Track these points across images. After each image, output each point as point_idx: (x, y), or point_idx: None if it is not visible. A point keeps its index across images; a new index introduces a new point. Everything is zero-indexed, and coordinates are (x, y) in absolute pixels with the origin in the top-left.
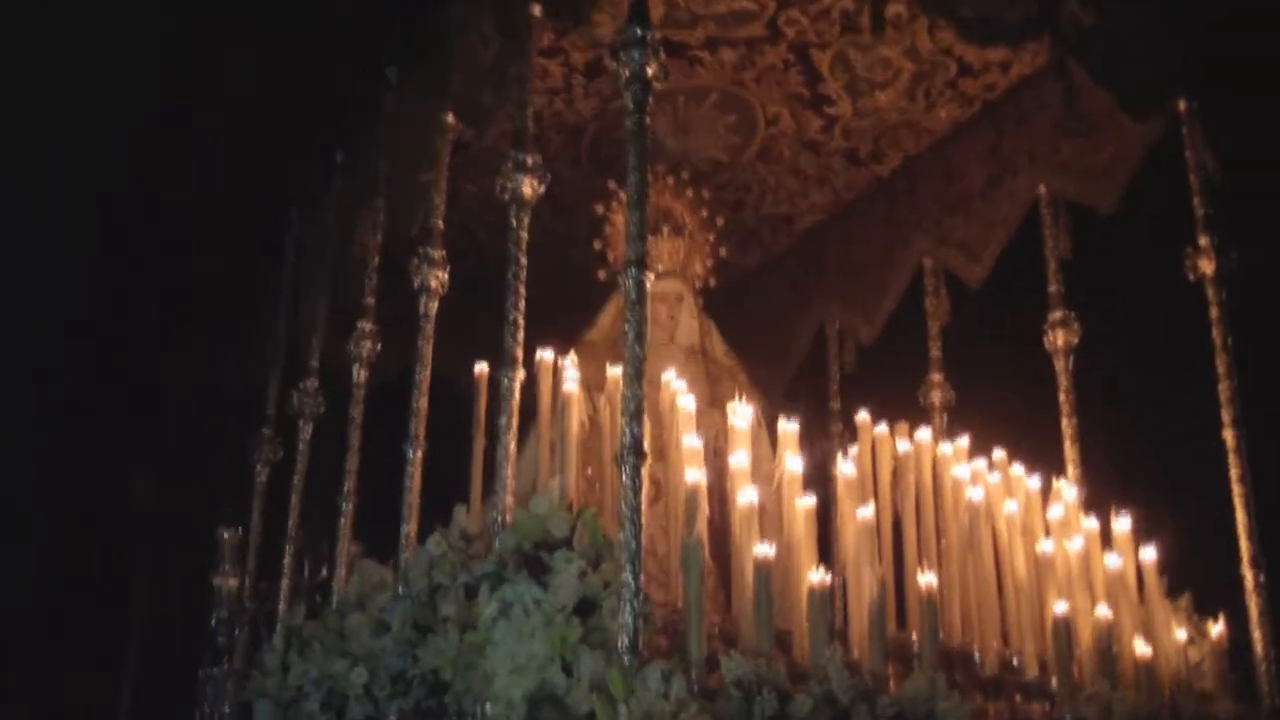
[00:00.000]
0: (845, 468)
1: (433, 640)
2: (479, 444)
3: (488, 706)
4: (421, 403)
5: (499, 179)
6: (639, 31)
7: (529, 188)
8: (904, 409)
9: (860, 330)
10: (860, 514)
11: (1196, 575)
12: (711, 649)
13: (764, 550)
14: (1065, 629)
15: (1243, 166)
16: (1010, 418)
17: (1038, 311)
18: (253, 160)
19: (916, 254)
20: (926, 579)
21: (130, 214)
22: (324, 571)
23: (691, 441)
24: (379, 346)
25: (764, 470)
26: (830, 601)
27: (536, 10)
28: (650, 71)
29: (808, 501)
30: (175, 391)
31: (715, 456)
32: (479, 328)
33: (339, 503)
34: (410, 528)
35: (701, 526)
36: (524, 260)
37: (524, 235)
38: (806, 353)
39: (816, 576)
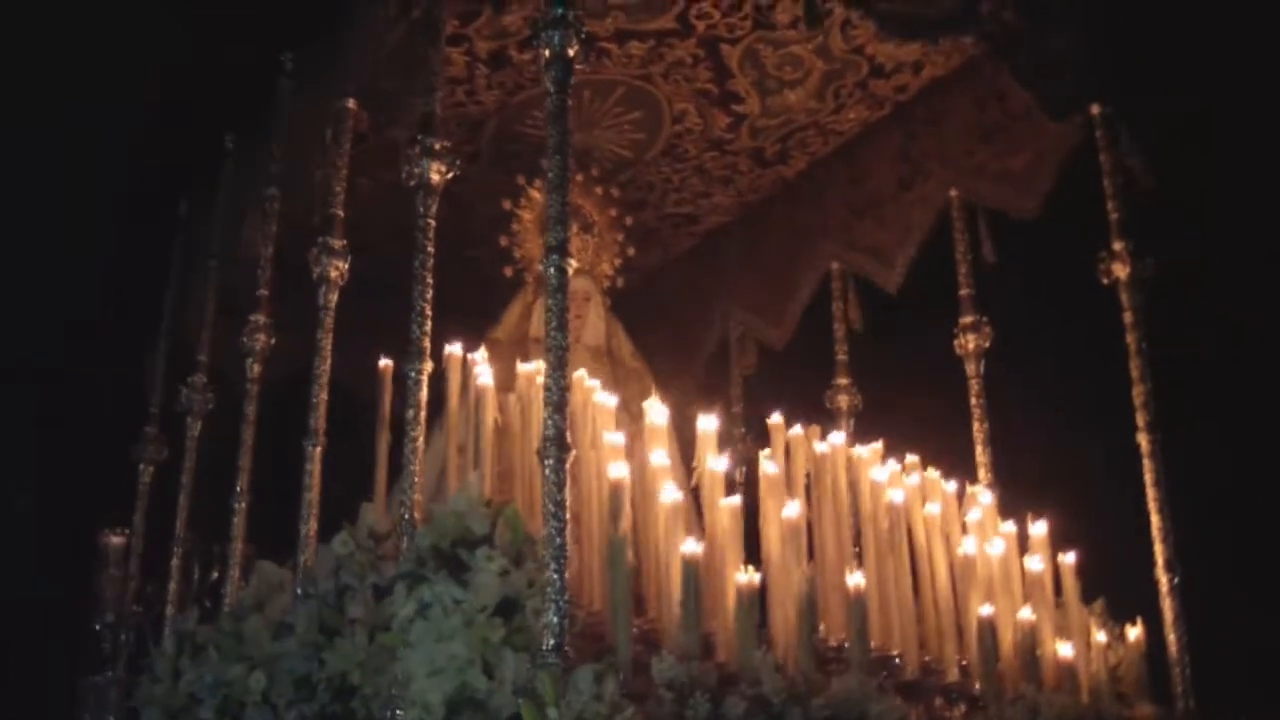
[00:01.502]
0: (768, 466)
1: (340, 643)
2: (383, 441)
3: (398, 712)
4: (321, 396)
5: (405, 165)
6: (560, 11)
7: (437, 174)
8: (808, 413)
9: (768, 334)
10: (786, 513)
11: (1110, 580)
12: (634, 652)
13: (692, 548)
14: (990, 631)
15: (1156, 172)
16: (919, 423)
17: (948, 316)
18: (137, 147)
19: (824, 258)
20: (855, 579)
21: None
22: (214, 575)
23: (613, 437)
24: (273, 341)
25: (675, 475)
26: (758, 602)
27: None
28: (571, 52)
29: (733, 501)
30: (54, 391)
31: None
32: (369, 325)
33: (231, 502)
34: (310, 527)
35: (627, 524)
36: (431, 249)
37: (431, 223)
38: (710, 356)
39: (744, 577)
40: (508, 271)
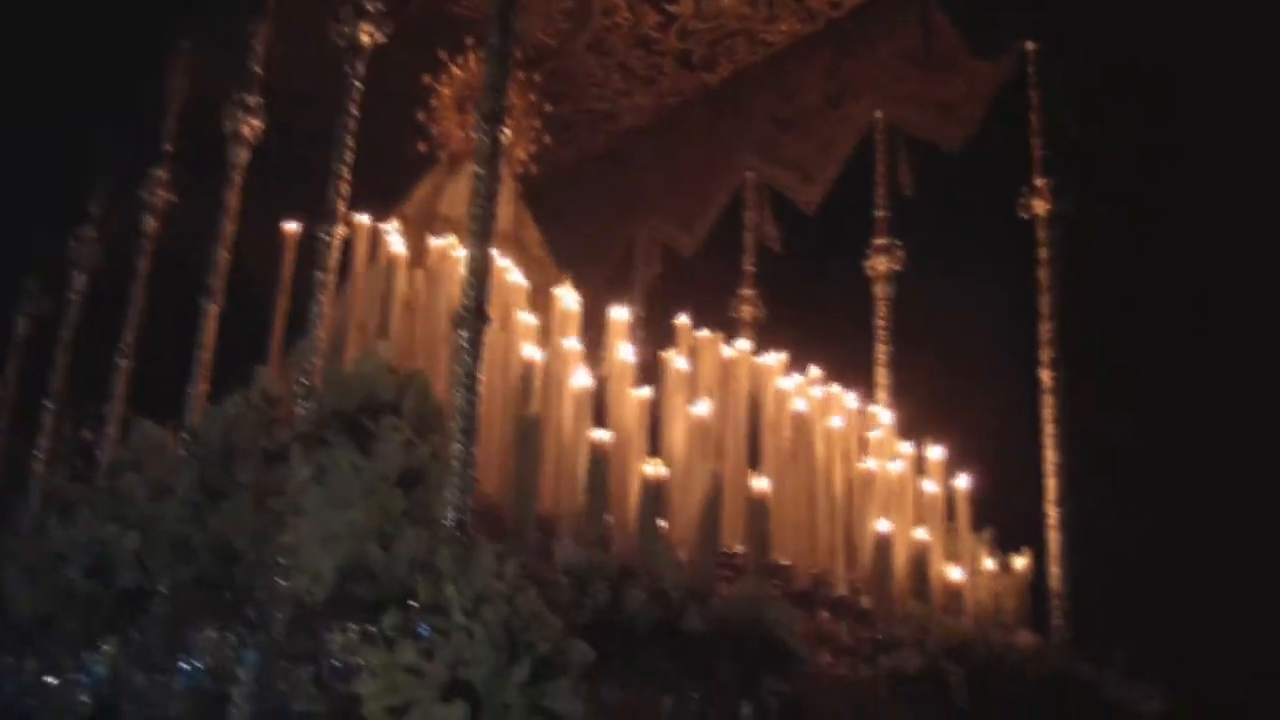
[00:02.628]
0: (678, 362)
1: (225, 506)
2: (281, 305)
3: (282, 580)
4: (223, 255)
5: (335, 25)
6: None
7: (367, 36)
8: (711, 323)
9: (680, 241)
10: (695, 411)
11: (1000, 509)
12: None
13: (602, 436)
14: (886, 548)
15: (1079, 115)
16: (822, 340)
17: (862, 236)
18: None
19: (742, 169)
20: (760, 483)
21: None
22: (87, 434)
23: (526, 317)
24: (174, 199)
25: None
26: (662, 497)
27: None
28: None
29: (642, 392)
30: None
31: None
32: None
33: (114, 359)
34: (200, 388)
35: (538, 405)
36: (355, 112)
37: (358, 85)
38: (619, 256)
39: (653, 470)
40: (422, 147)
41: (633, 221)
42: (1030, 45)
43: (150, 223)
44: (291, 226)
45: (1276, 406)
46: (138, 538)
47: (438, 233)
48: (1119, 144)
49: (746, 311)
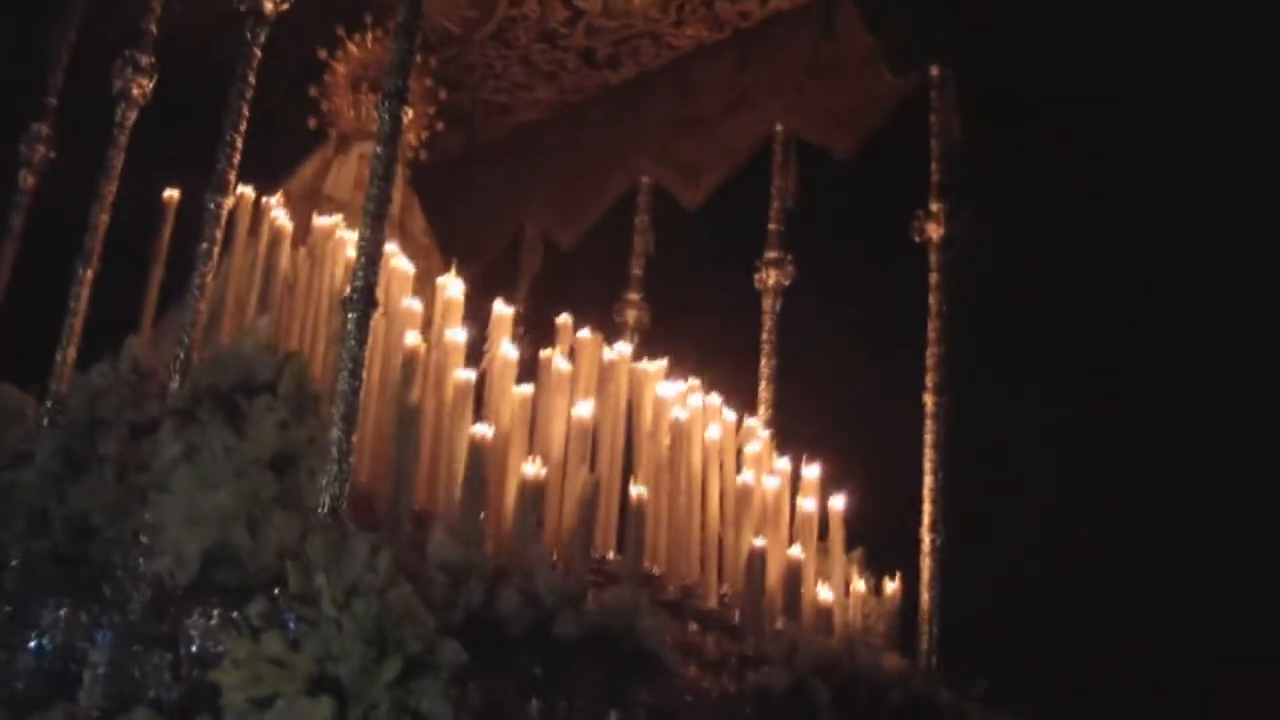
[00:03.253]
0: (559, 362)
1: (86, 479)
2: (156, 275)
3: (142, 560)
4: (102, 218)
5: None
6: None
7: (271, 3)
8: (594, 324)
9: (559, 236)
10: (577, 412)
11: (871, 531)
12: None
13: (482, 431)
14: (760, 563)
15: (984, 138)
16: (704, 350)
17: (752, 248)
18: None
19: (634, 170)
20: (638, 490)
21: None
22: None
23: (411, 303)
24: (53, 155)
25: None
26: (541, 498)
27: None
28: None
29: (524, 389)
30: None
31: None
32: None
33: None
34: (69, 354)
35: (419, 394)
36: (251, 80)
37: (257, 52)
38: (501, 248)
39: (533, 469)
40: (312, 123)
41: (520, 215)
42: (935, 69)
43: (28, 179)
44: (171, 192)
45: (1158, 436)
46: None
47: (322, 212)
48: (1013, 169)
49: (631, 316)
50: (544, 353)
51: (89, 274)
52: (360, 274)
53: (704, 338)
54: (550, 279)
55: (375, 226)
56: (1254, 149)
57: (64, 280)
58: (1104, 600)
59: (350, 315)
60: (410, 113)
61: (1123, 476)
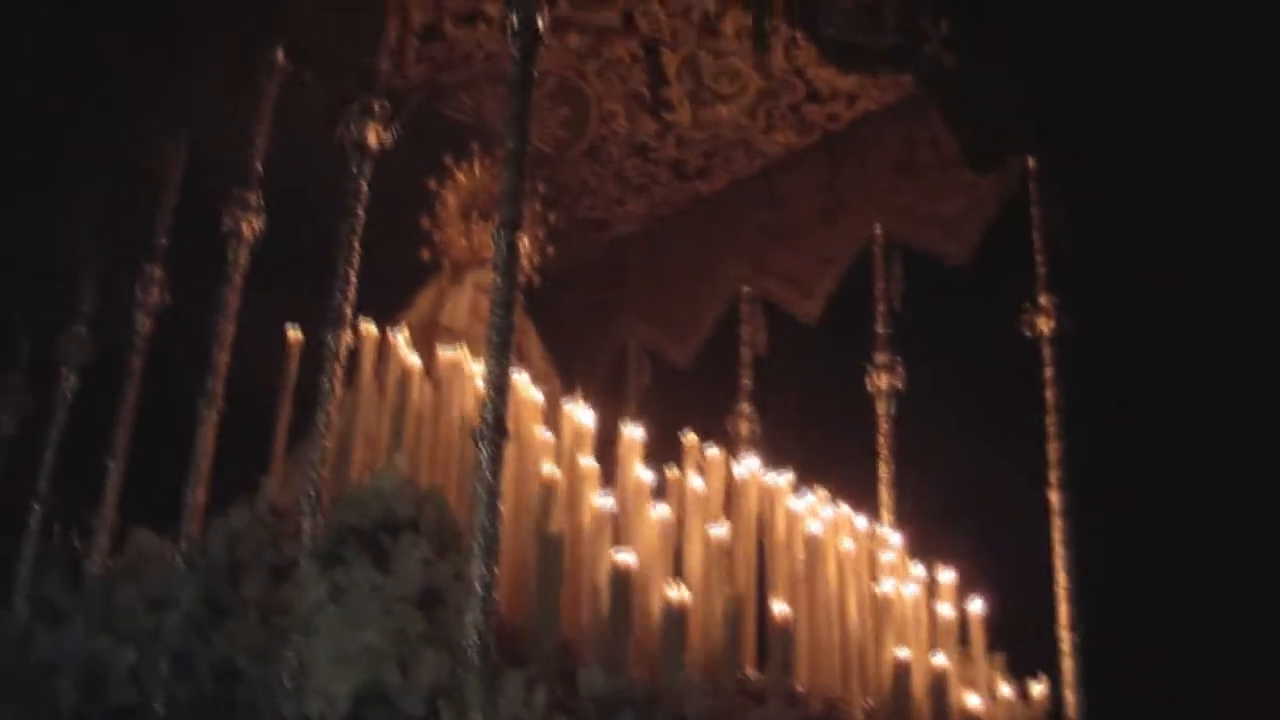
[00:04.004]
0: (694, 482)
1: (229, 623)
2: (284, 414)
3: (287, 703)
4: (222, 358)
5: (341, 124)
6: None
7: (374, 135)
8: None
9: (671, 352)
10: (714, 532)
11: (1005, 633)
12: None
13: (626, 558)
14: (905, 675)
15: (1082, 230)
16: (818, 457)
17: (858, 351)
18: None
19: (733, 280)
20: (781, 607)
21: None
22: (74, 541)
23: (543, 433)
24: (168, 296)
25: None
26: (685, 621)
27: None
28: (541, 22)
29: (662, 511)
30: None
31: None
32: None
33: (105, 461)
34: (198, 495)
35: (560, 524)
36: (361, 214)
37: (364, 186)
38: (607, 367)
39: (676, 593)
40: (425, 255)
41: (622, 331)
42: (1031, 161)
43: (144, 321)
44: (294, 331)
45: None
46: (133, 652)
47: (440, 343)
48: (1120, 260)
49: (744, 427)
50: (671, 473)
51: (213, 415)
52: (489, 406)
53: (815, 443)
54: (653, 394)
55: (501, 358)
56: None
57: (179, 421)
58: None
59: (482, 448)
60: (525, 240)
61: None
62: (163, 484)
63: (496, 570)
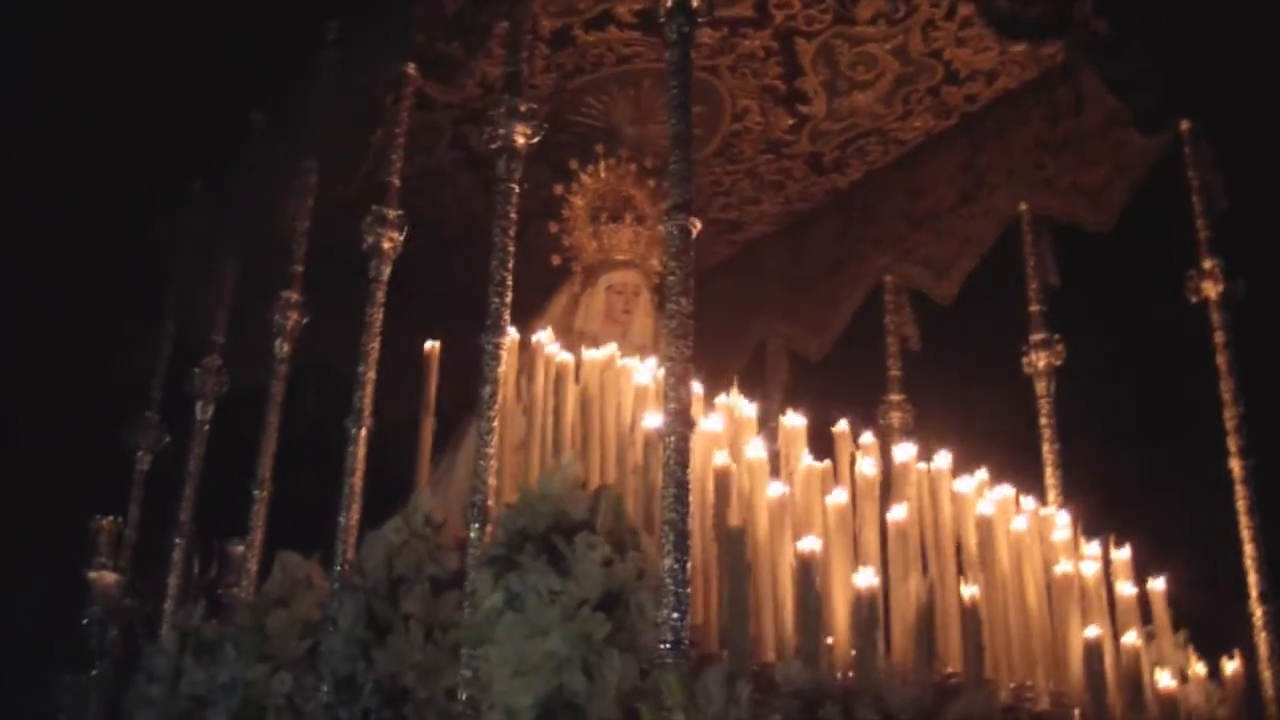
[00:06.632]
0: (866, 466)
1: (392, 640)
2: (427, 426)
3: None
4: (369, 375)
5: (489, 128)
6: None
7: (521, 136)
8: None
9: (808, 345)
10: (893, 516)
11: (1186, 610)
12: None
13: (810, 545)
14: (1097, 655)
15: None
16: (975, 441)
17: (1007, 331)
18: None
19: (875, 271)
20: (970, 590)
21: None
22: (213, 570)
23: (711, 424)
24: (305, 320)
25: None
26: (877, 609)
27: None
28: (695, 2)
29: (839, 497)
30: (47, 378)
31: None
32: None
33: (252, 489)
34: (352, 515)
35: (735, 514)
36: (514, 215)
37: (515, 188)
38: (743, 365)
39: (865, 580)
40: (555, 260)
41: (759, 329)
42: (1186, 124)
43: (283, 346)
44: (432, 344)
45: None
46: (288, 679)
47: (574, 347)
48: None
49: (895, 417)
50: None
51: (363, 433)
52: (672, 395)
53: (971, 428)
54: (793, 388)
55: (681, 346)
56: None
57: (317, 441)
58: None
59: (668, 439)
60: (697, 224)
61: None
62: (299, 508)
63: (689, 565)
